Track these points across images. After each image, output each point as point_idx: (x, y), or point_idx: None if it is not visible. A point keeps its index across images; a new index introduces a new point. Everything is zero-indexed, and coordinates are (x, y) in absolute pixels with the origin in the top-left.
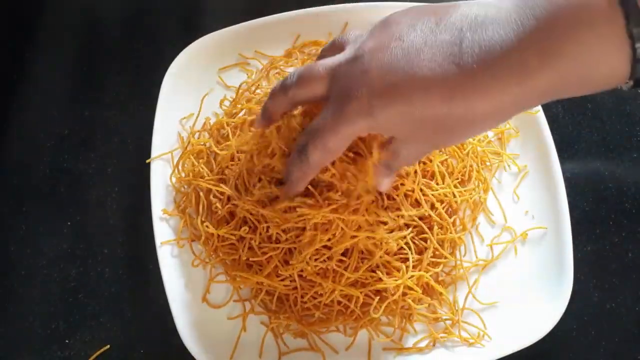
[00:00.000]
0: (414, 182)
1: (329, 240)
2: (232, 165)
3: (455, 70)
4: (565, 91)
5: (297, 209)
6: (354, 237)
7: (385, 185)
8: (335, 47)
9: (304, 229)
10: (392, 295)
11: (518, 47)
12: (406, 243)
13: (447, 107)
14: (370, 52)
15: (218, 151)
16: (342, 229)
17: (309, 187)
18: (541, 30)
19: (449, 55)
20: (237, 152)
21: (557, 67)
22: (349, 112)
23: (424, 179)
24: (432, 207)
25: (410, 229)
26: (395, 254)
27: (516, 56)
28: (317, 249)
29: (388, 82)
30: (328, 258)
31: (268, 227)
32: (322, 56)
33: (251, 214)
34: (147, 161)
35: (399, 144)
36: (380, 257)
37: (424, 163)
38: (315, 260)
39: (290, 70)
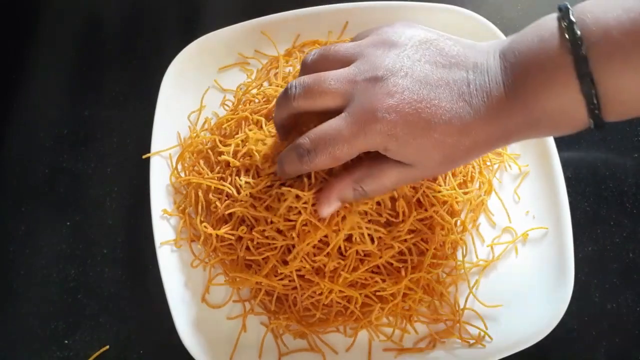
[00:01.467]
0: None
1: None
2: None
3: (468, 109)
4: (538, 132)
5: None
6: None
7: (328, 209)
8: (329, 60)
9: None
10: (394, 298)
11: (506, 96)
12: (407, 245)
13: (457, 138)
14: (392, 74)
15: (222, 148)
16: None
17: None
18: (518, 86)
19: (461, 93)
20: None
21: (531, 116)
22: (372, 131)
23: (427, 181)
24: (433, 207)
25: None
26: (394, 257)
27: (505, 102)
28: (314, 245)
29: (415, 108)
30: (326, 255)
31: (264, 231)
32: (311, 68)
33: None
34: (144, 156)
35: (391, 167)
36: (380, 258)
37: None
38: (314, 256)
39: (289, 69)
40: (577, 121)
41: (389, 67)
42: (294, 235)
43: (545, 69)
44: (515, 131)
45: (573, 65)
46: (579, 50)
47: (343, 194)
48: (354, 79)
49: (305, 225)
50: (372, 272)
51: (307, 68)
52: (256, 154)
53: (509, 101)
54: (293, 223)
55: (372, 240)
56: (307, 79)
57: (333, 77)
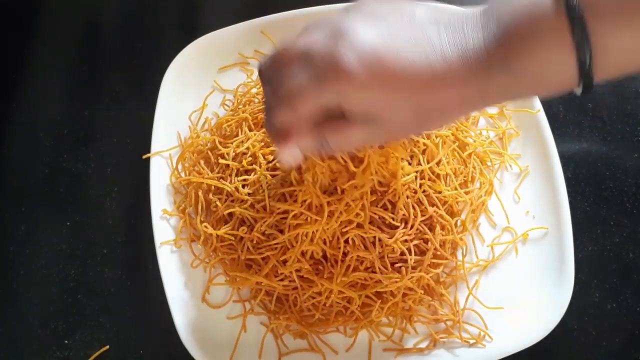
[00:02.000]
0: (418, 183)
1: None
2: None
3: (440, 61)
4: (521, 92)
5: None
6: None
7: (287, 155)
8: (282, 62)
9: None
10: (394, 297)
11: (487, 53)
12: (407, 246)
13: (427, 92)
14: (353, 30)
15: (222, 150)
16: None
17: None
18: (501, 40)
19: (431, 45)
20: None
21: (515, 71)
22: (334, 80)
23: (429, 181)
24: (433, 206)
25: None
26: (394, 257)
27: (486, 59)
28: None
29: (379, 57)
30: (324, 257)
31: (264, 231)
32: (267, 77)
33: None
34: (145, 156)
35: (359, 125)
36: (381, 258)
37: (429, 164)
38: (311, 258)
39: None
40: (565, 80)
41: (348, 27)
42: (289, 222)
43: (535, 25)
44: (496, 92)
45: (567, 24)
46: (573, 11)
47: (304, 143)
48: (313, 41)
49: (297, 215)
50: (372, 271)
51: (265, 77)
52: (261, 156)
53: (489, 58)
54: (286, 216)
55: (374, 244)
56: (274, 119)
57: (296, 91)
